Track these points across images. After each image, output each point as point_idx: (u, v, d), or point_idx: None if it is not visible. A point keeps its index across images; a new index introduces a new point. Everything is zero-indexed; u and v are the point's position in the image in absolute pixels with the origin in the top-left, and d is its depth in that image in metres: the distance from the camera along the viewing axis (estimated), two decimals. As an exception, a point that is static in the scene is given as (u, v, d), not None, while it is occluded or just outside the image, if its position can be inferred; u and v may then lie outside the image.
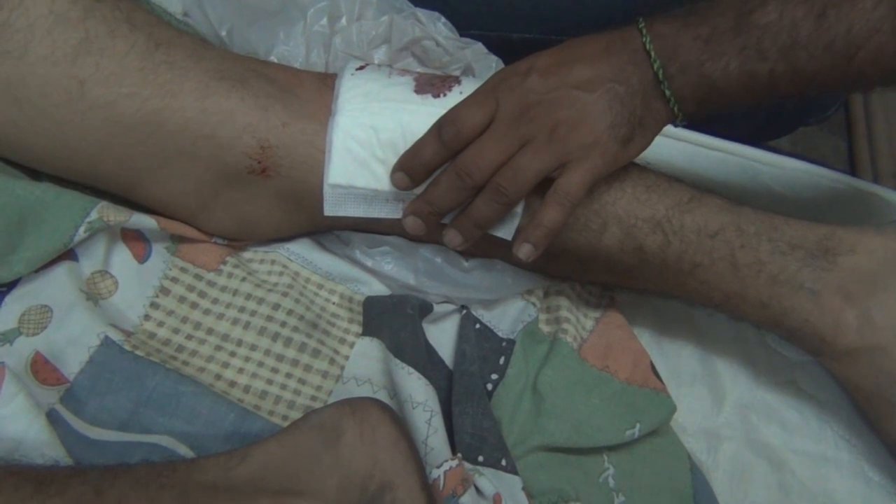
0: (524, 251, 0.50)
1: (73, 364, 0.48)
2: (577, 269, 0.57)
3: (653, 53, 0.48)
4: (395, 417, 0.46)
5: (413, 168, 0.49)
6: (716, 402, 0.60)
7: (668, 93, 0.48)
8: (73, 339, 0.48)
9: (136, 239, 0.53)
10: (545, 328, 0.59)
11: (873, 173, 0.92)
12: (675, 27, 0.48)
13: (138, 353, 0.48)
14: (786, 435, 0.59)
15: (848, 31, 0.44)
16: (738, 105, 0.49)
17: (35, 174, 0.53)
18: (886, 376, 0.53)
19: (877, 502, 0.57)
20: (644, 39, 0.48)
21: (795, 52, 0.46)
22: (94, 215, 0.50)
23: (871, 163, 0.93)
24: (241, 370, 0.51)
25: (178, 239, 0.55)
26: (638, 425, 0.54)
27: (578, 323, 0.59)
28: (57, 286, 0.49)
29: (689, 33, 0.47)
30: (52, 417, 0.45)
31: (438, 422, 0.49)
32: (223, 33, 0.60)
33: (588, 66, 0.48)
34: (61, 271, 0.50)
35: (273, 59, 0.61)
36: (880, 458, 0.58)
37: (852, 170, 0.95)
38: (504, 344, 0.57)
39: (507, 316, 0.59)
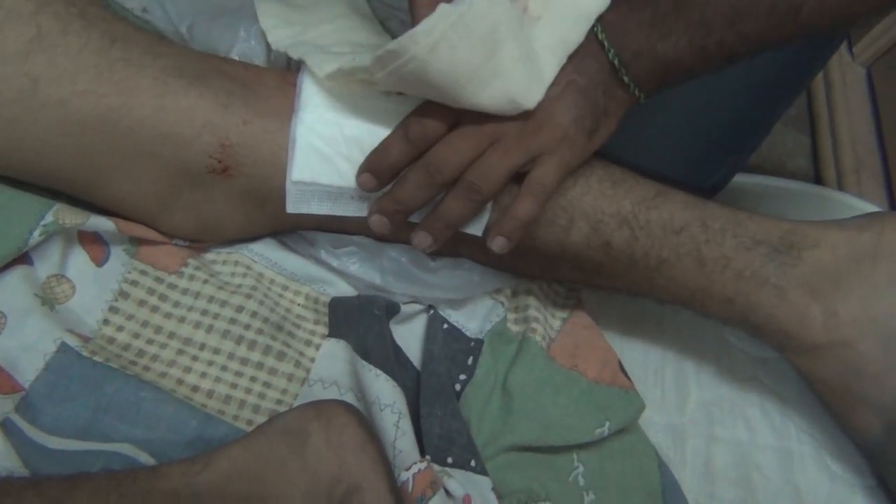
0: (498, 244, 0.49)
1: (28, 371, 0.46)
2: (546, 267, 0.57)
3: (606, 43, 0.48)
4: (363, 420, 0.46)
5: (379, 168, 0.49)
6: (681, 399, 0.60)
7: (626, 79, 0.49)
8: (29, 346, 0.46)
9: (93, 241, 0.52)
10: (514, 327, 0.58)
11: (836, 169, 0.93)
12: (621, 13, 0.48)
13: (97, 358, 0.47)
14: (749, 430, 0.60)
15: None
16: (699, 75, 0.49)
17: (-12, 176, 0.52)
18: (851, 370, 0.54)
19: (840, 494, 0.58)
20: (595, 30, 0.48)
21: (740, 20, 0.46)
22: (49, 218, 0.48)
23: (834, 158, 0.94)
24: (203, 374, 0.50)
25: (137, 241, 0.53)
26: (607, 423, 0.54)
27: (547, 322, 0.59)
28: (11, 291, 0.48)
29: (635, 17, 0.48)
30: (7, 427, 0.44)
31: (406, 424, 0.49)
32: (183, 29, 0.58)
33: None
34: (15, 276, 0.48)
35: (234, 56, 0.60)
36: (843, 451, 0.59)
37: (815, 165, 0.96)
38: (472, 344, 0.57)
39: (476, 315, 0.58)
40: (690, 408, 0.61)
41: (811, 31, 0.46)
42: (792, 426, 0.61)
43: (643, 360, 0.62)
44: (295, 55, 0.53)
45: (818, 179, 0.93)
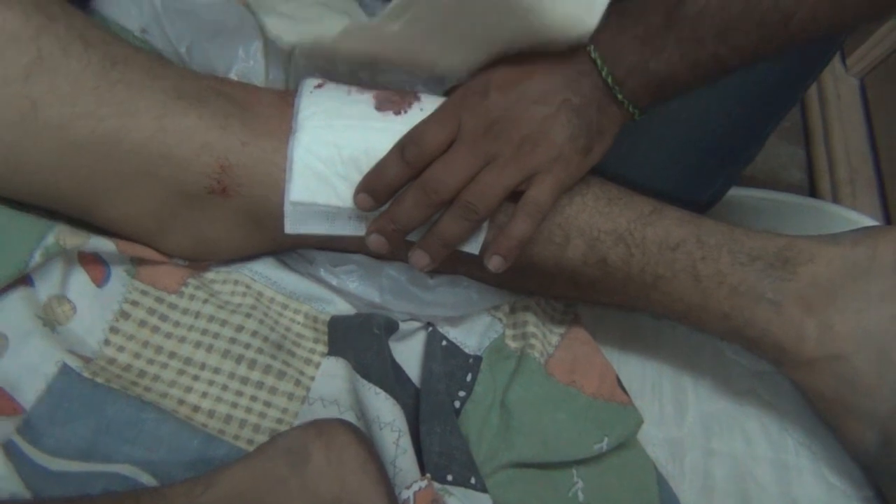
0: (494, 263, 0.50)
1: (29, 393, 0.46)
2: (543, 284, 0.58)
3: (599, 62, 0.49)
4: (363, 439, 0.46)
5: (376, 188, 0.49)
6: (679, 414, 0.61)
7: (620, 96, 0.49)
8: (30, 368, 0.46)
9: (94, 262, 0.52)
10: (512, 344, 0.59)
11: (831, 180, 0.94)
12: (613, 32, 0.49)
13: (98, 379, 0.47)
14: (747, 443, 0.60)
15: (776, 4, 0.45)
16: (694, 88, 0.50)
17: (-12, 197, 0.52)
18: (847, 384, 0.54)
19: (838, 506, 0.58)
20: (589, 48, 0.49)
21: (731, 33, 0.46)
22: (50, 239, 0.48)
23: (829, 170, 0.95)
24: (204, 394, 0.51)
25: (137, 261, 0.54)
26: (606, 439, 0.55)
27: (545, 338, 0.59)
28: (12, 313, 0.48)
29: (627, 35, 0.48)
30: (9, 449, 0.44)
31: (406, 442, 0.49)
32: (182, 50, 0.59)
33: (543, 80, 0.49)
34: (16, 297, 0.48)
35: (233, 76, 0.60)
36: (840, 463, 0.59)
37: (810, 177, 0.96)
38: (471, 360, 0.57)
39: (474, 332, 0.59)
40: (688, 422, 0.61)
41: (803, 40, 0.47)
42: (790, 439, 0.61)
43: (641, 374, 0.62)
44: (317, 81, 0.54)
45: (813, 191, 0.93)
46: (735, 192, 0.76)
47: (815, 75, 0.69)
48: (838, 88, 0.98)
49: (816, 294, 0.54)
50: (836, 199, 0.89)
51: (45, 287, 0.50)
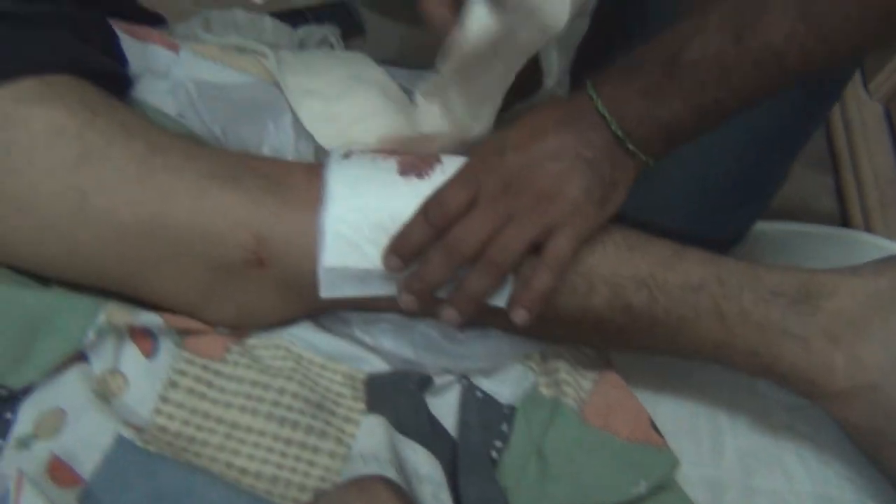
0: (519, 316, 0.52)
1: (88, 464, 0.49)
2: (570, 332, 0.59)
3: (607, 115, 0.51)
4: (403, 493, 0.48)
5: (403, 250, 0.52)
6: (717, 452, 0.61)
7: (631, 146, 0.51)
8: (87, 440, 0.49)
9: (143, 335, 0.55)
10: (546, 392, 0.60)
11: (861, 206, 0.94)
12: (617, 85, 0.51)
13: (150, 448, 0.50)
14: (788, 479, 0.60)
15: (767, 44, 0.47)
16: (703, 133, 0.52)
17: (44, 279, 0.55)
18: (881, 413, 0.54)
19: (885, 538, 0.58)
20: (596, 104, 0.51)
21: (729, 77, 0.48)
22: (101, 318, 0.52)
23: (859, 197, 0.95)
24: (251, 457, 0.53)
25: (183, 332, 0.56)
26: (642, 482, 0.55)
27: (578, 385, 0.60)
28: (69, 388, 0.51)
29: (631, 87, 0.50)
30: (71, 520, 0.47)
31: (445, 495, 0.51)
32: (217, 131, 0.63)
33: (556, 137, 0.52)
34: (73, 373, 0.51)
35: (265, 150, 0.64)
36: (883, 494, 0.59)
37: (841, 205, 0.96)
38: (506, 411, 0.59)
39: (507, 382, 0.60)
40: (727, 459, 0.61)
41: (800, 77, 0.49)
42: (831, 472, 0.61)
43: (675, 414, 0.63)
44: (343, 150, 0.58)
45: (845, 219, 0.93)
46: (763, 227, 0.76)
47: (830, 106, 0.70)
48: (862, 114, 0.99)
49: (842, 327, 0.54)
50: (867, 225, 0.89)
51: (100, 362, 0.53)
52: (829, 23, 0.46)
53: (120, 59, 0.63)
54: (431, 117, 0.61)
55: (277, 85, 0.66)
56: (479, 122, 0.61)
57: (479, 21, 0.54)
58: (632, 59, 0.51)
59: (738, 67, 0.48)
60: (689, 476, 0.60)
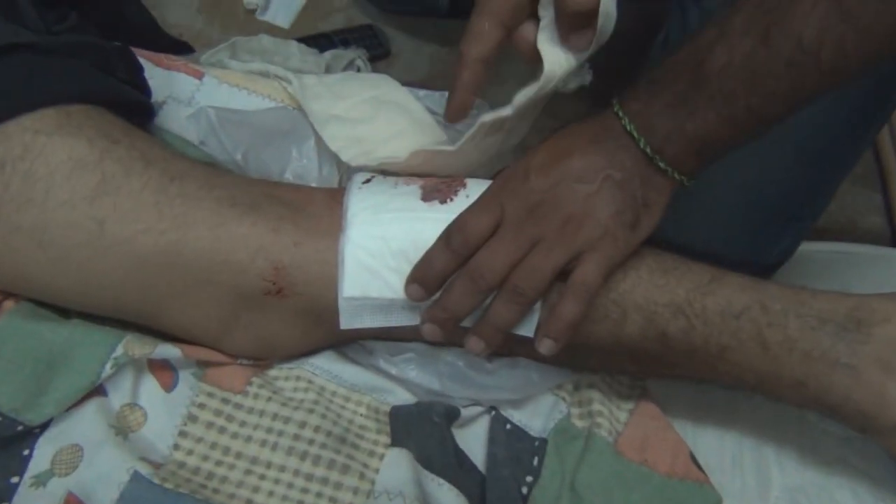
0: (546, 346, 0.50)
1: (104, 501, 0.48)
2: (602, 361, 0.57)
3: (635, 133, 0.48)
4: (427, 533, 0.45)
5: (426, 278, 0.50)
6: (763, 488, 0.58)
7: (662, 164, 0.49)
8: (104, 477, 0.48)
9: (162, 368, 0.54)
10: (578, 423, 0.57)
11: (912, 223, 0.90)
12: (644, 101, 0.48)
13: (167, 485, 0.48)
14: (841, 517, 0.56)
15: (799, 41, 0.43)
16: (738, 145, 0.49)
17: (64, 311, 0.55)
18: (940, 449, 0.51)
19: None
20: (623, 122, 0.48)
21: (761, 81, 0.45)
22: (119, 351, 0.51)
23: (910, 212, 0.91)
24: (271, 493, 0.51)
25: (203, 364, 0.55)
26: (682, 520, 0.52)
27: (612, 415, 0.57)
28: (87, 424, 0.50)
29: (659, 102, 0.48)
30: (85, 559, 0.45)
31: (472, 534, 0.48)
32: (238, 157, 0.62)
33: (582, 158, 0.49)
34: (91, 408, 0.51)
35: (288, 176, 0.63)
36: (945, 534, 0.55)
37: (891, 223, 0.92)
38: (537, 444, 0.56)
39: (539, 414, 0.58)
40: (774, 496, 0.58)
41: (838, 76, 0.45)
42: (887, 509, 0.57)
43: (718, 447, 0.60)
44: (365, 176, 0.57)
45: (895, 238, 0.89)
46: (808, 247, 0.73)
47: (880, 125, 0.66)
48: (912, 128, 0.95)
49: (895, 356, 0.51)
50: (919, 243, 0.85)
51: (118, 396, 0.52)
52: (866, 11, 0.42)
53: (143, 88, 0.62)
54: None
55: (301, 110, 0.65)
56: (488, 167, 0.60)
57: (557, 60, 0.52)
58: (657, 71, 0.48)
59: (768, 70, 0.44)
60: (734, 514, 0.56)
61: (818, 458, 0.59)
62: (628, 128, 0.48)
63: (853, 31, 0.42)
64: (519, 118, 0.55)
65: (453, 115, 0.56)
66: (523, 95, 0.53)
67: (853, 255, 0.73)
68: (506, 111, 0.53)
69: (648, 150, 0.48)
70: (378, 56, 0.90)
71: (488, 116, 0.53)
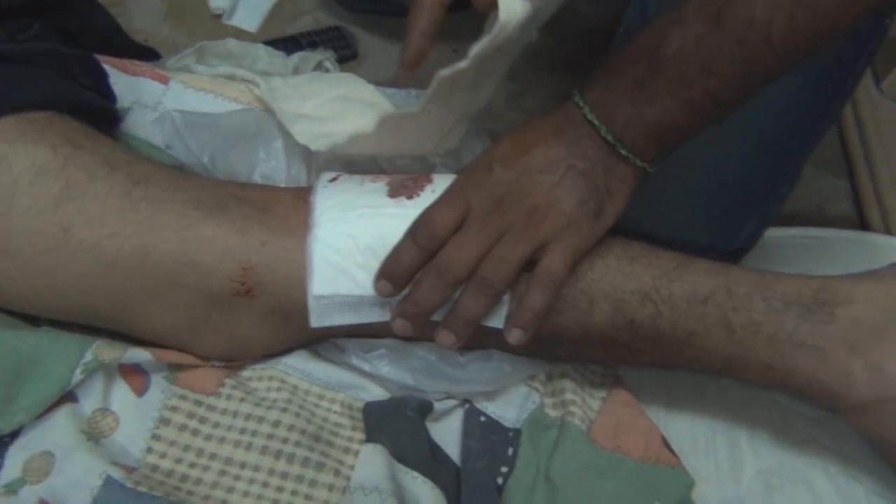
0: (515, 336, 0.50)
1: (77, 508, 0.48)
2: (573, 350, 0.57)
3: (596, 122, 0.49)
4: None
5: (394, 274, 0.50)
6: (736, 470, 0.58)
7: (623, 152, 0.49)
8: (75, 482, 0.48)
9: (133, 372, 0.54)
10: (552, 413, 0.58)
11: (880, 209, 0.90)
12: (603, 89, 0.49)
13: (140, 489, 0.48)
14: (813, 496, 0.57)
15: (750, 21, 0.44)
16: (699, 131, 0.49)
17: (33, 319, 0.55)
18: (906, 425, 0.51)
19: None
20: (584, 111, 0.49)
21: (714, 63, 0.45)
22: (88, 356, 0.51)
23: (877, 198, 0.92)
24: (246, 493, 0.51)
25: (175, 367, 0.55)
26: (657, 504, 0.53)
27: (585, 404, 0.58)
28: (58, 430, 0.50)
29: (617, 90, 0.48)
30: (59, 566, 0.45)
31: (448, 526, 0.49)
32: (205, 160, 0.62)
33: (544, 149, 0.49)
34: (62, 414, 0.50)
35: (256, 178, 0.63)
36: (918, 509, 0.56)
37: (858, 208, 0.93)
38: (511, 434, 0.57)
39: (512, 405, 0.58)
40: (747, 478, 0.58)
41: (790, 56, 0.45)
42: (859, 487, 0.58)
43: (691, 432, 0.60)
44: (340, 150, 0.58)
45: (863, 222, 0.90)
46: (776, 233, 0.74)
47: (840, 105, 0.67)
48: (876, 114, 0.95)
49: (860, 335, 0.51)
50: (887, 228, 0.85)
51: (89, 402, 0.52)
52: None
53: (107, 94, 0.62)
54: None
55: (268, 111, 0.66)
56: (457, 130, 0.60)
57: (511, 8, 0.51)
58: (616, 59, 0.49)
59: (721, 52, 0.45)
60: (708, 497, 0.57)
61: (790, 439, 0.60)
62: (589, 116, 0.49)
63: (802, 8, 0.43)
64: (481, 73, 0.55)
65: (410, 62, 0.54)
66: (479, 47, 0.52)
67: (820, 240, 0.74)
68: (462, 64, 0.52)
69: (609, 138, 0.49)
70: (346, 57, 0.90)
71: (446, 71, 0.53)
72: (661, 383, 0.62)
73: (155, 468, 0.51)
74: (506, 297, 0.51)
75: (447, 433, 0.57)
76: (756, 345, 0.52)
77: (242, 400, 0.55)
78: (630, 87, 0.48)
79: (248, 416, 0.54)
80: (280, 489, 0.52)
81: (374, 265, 0.51)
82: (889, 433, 0.52)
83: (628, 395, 0.59)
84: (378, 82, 0.74)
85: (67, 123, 0.53)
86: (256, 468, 0.52)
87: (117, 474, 0.48)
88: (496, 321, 0.52)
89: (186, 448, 0.52)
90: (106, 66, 0.64)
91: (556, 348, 0.57)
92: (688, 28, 0.45)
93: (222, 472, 0.52)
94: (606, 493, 0.53)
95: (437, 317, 0.52)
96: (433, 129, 0.57)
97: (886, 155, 0.92)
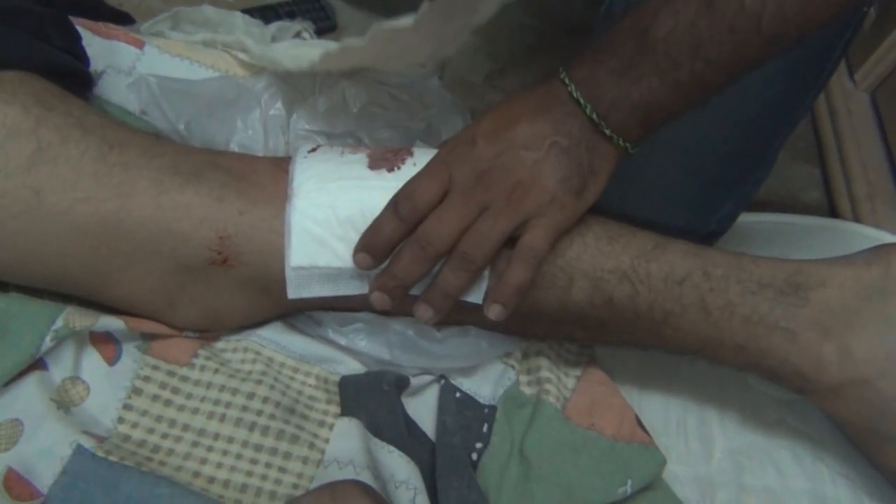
0: (494, 312, 0.50)
1: (46, 476, 0.47)
2: (550, 328, 0.57)
3: (581, 100, 0.48)
4: (378, 499, 0.45)
5: (374, 246, 0.50)
6: (706, 449, 0.59)
7: (608, 131, 0.49)
8: (45, 451, 0.47)
9: (105, 341, 0.53)
10: (527, 390, 0.58)
11: (849, 198, 0.92)
12: (590, 68, 0.49)
13: (112, 458, 0.47)
14: (781, 476, 0.58)
15: (741, 6, 0.44)
16: (683, 113, 0.49)
17: (1, 285, 0.53)
18: (875, 409, 0.52)
19: (882, 536, 0.56)
20: (569, 89, 0.49)
21: (704, 47, 0.46)
22: (59, 323, 0.50)
23: (847, 188, 0.93)
24: (219, 465, 0.51)
25: (148, 337, 0.54)
26: (629, 482, 0.53)
27: (560, 382, 0.58)
28: (27, 398, 0.49)
29: (604, 69, 0.48)
30: (27, 534, 0.44)
31: (423, 500, 0.49)
32: (181, 127, 0.61)
33: (529, 125, 0.49)
34: (31, 382, 0.49)
35: (234, 147, 0.62)
36: (880, 490, 0.57)
37: (829, 196, 0.95)
38: (486, 411, 0.57)
39: (487, 381, 0.58)
40: (717, 457, 0.59)
41: (779, 42, 0.46)
42: (825, 468, 0.59)
43: (663, 411, 0.61)
44: (331, 62, 0.58)
45: (833, 210, 0.92)
46: (749, 218, 0.75)
47: (816, 92, 0.68)
48: (848, 105, 0.97)
49: (832, 319, 0.52)
50: (856, 217, 0.87)
51: (59, 370, 0.51)
52: None
53: (80, 56, 0.60)
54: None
55: (245, 80, 0.64)
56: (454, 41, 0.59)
57: None
58: (604, 39, 0.49)
59: (711, 36, 0.45)
60: (679, 475, 0.58)
61: (759, 420, 0.61)
62: (574, 94, 0.49)
63: None
64: None
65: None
66: None
67: (793, 226, 0.75)
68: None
69: (595, 116, 0.49)
70: (325, 29, 0.89)
71: None
72: (635, 363, 0.62)
73: (126, 438, 0.50)
74: (485, 273, 0.51)
75: (423, 408, 0.57)
76: (731, 326, 0.53)
77: (216, 371, 0.54)
78: (618, 66, 0.47)
79: (221, 388, 0.53)
80: (254, 461, 0.51)
81: (354, 237, 0.51)
82: (857, 416, 0.53)
83: (603, 373, 0.60)
84: (357, 55, 0.73)
85: (40, 84, 0.52)
86: (230, 440, 0.52)
87: (88, 443, 0.48)
88: (475, 297, 0.52)
89: (159, 419, 0.52)
90: (79, 28, 0.62)
91: (534, 326, 0.57)
92: (679, 10, 0.45)
93: (195, 444, 0.51)
94: (580, 471, 0.54)
95: (415, 291, 0.51)
96: (426, 43, 0.56)
97: (857, 144, 0.94)
